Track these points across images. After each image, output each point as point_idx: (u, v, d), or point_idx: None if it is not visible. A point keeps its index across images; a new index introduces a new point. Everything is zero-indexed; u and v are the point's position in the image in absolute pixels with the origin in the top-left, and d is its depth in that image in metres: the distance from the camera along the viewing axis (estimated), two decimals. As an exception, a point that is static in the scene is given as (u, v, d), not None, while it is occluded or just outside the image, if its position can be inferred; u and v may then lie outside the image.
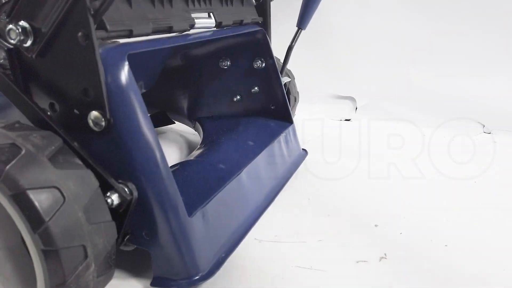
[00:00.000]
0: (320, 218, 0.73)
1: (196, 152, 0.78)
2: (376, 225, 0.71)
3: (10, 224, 0.43)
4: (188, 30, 0.62)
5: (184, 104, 1.05)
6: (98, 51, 0.44)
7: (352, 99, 1.45)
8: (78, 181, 0.42)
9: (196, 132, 1.05)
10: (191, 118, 1.04)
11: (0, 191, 0.39)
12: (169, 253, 0.53)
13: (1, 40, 0.52)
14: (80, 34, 0.44)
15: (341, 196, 0.81)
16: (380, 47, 1.42)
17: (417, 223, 0.72)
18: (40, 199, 0.38)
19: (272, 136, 0.83)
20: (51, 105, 0.50)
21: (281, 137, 0.84)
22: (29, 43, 0.46)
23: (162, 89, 1.03)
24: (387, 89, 1.42)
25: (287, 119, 0.92)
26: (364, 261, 0.61)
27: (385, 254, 0.63)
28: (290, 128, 0.89)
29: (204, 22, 0.65)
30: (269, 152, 0.78)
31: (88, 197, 0.42)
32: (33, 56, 0.47)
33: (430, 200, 0.81)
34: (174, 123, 1.12)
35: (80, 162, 0.45)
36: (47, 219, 0.38)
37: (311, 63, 1.45)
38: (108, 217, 0.45)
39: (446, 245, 0.66)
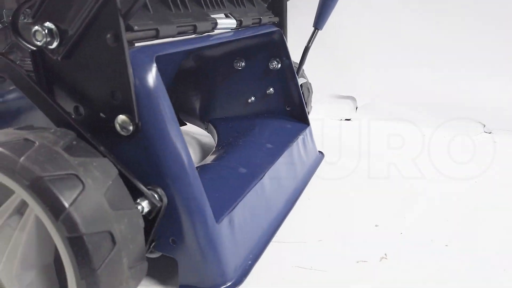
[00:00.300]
0: (320, 218, 0.73)
1: (213, 155, 0.76)
2: (376, 225, 0.71)
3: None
4: (212, 31, 0.60)
5: (196, 105, 1.03)
6: (128, 52, 0.43)
7: (352, 98, 1.45)
8: (129, 223, 0.41)
9: (208, 134, 1.03)
10: (203, 120, 1.02)
11: (57, 230, 0.37)
12: (196, 261, 0.51)
13: (23, 41, 0.51)
14: (109, 35, 0.42)
15: (341, 196, 0.81)
16: (381, 47, 1.42)
17: (417, 223, 0.72)
18: (94, 246, 0.37)
19: (290, 138, 0.82)
20: (76, 109, 0.48)
21: (299, 139, 0.83)
22: (54, 45, 0.45)
23: (173, 90, 1.02)
24: (388, 89, 1.42)
25: (304, 121, 0.90)
26: (364, 261, 0.61)
27: (385, 254, 0.63)
28: (307, 130, 0.88)
29: (226, 22, 0.64)
30: (289, 154, 0.77)
31: (134, 242, 0.42)
32: (58, 58, 0.45)
33: (430, 200, 0.80)
34: (186, 124, 1.10)
35: (130, 199, 0.43)
36: (97, 267, 0.37)
37: (312, 63, 1.44)
38: (144, 257, 0.44)
39: (446, 245, 0.65)
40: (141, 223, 0.43)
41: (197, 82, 1.01)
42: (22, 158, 0.38)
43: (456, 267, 0.60)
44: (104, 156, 0.44)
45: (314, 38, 0.91)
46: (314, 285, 0.57)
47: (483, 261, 0.62)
